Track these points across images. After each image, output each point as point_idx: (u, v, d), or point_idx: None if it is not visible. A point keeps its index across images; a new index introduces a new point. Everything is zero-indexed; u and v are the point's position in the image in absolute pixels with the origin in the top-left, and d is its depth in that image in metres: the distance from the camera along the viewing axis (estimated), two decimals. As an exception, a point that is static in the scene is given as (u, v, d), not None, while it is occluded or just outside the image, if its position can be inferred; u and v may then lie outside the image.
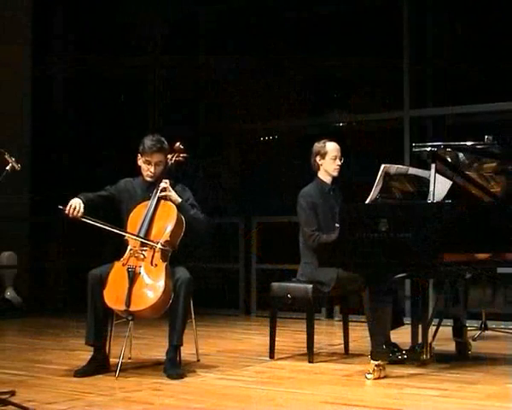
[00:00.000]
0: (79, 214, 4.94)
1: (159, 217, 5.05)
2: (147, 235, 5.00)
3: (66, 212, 4.94)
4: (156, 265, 4.88)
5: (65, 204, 4.96)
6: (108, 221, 5.06)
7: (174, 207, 5.07)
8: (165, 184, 5.13)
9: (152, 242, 4.94)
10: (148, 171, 5.17)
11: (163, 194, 5.11)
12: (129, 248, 4.99)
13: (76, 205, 4.95)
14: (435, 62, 8.44)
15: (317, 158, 5.64)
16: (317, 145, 5.66)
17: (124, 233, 5.04)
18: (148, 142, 5.16)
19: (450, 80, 8.51)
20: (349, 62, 9.02)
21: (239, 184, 9.91)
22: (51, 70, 10.26)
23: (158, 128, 5.37)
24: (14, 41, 9.51)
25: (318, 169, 5.66)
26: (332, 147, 5.64)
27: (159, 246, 4.92)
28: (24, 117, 9.71)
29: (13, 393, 4.22)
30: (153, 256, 4.90)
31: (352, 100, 9.24)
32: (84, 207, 4.97)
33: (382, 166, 4.94)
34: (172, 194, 5.13)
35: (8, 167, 4.29)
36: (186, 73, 9.80)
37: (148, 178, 5.19)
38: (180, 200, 5.12)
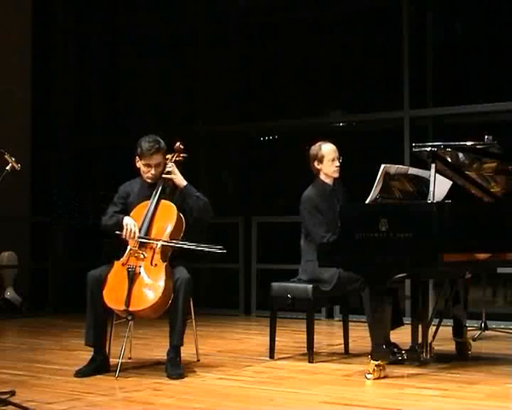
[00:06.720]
0: (137, 235, 4.94)
1: (159, 217, 5.04)
2: (147, 235, 4.99)
3: (124, 235, 4.94)
4: (156, 265, 4.87)
5: (119, 229, 4.93)
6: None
7: (174, 207, 5.06)
8: (170, 167, 5.14)
9: (154, 240, 4.94)
10: (148, 173, 5.14)
11: (169, 176, 5.12)
12: (128, 248, 4.98)
13: (132, 226, 4.94)
14: (435, 62, 8.43)
15: (315, 163, 5.48)
16: (313, 149, 5.50)
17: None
18: (145, 144, 5.10)
19: (450, 80, 8.50)
20: (349, 62, 9.02)
21: (239, 184, 9.91)
22: (51, 70, 10.24)
23: (154, 128, 5.36)
24: (14, 41, 9.50)
25: (318, 173, 5.52)
26: (328, 149, 5.47)
27: (160, 243, 4.92)
28: (24, 117, 9.70)
29: (13, 393, 4.23)
30: (152, 256, 4.90)
31: (352, 100, 9.23)
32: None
33: (382, 166, 4.93)
34: (178, 176, 5.15)
35: (8, 167, 4.29)
36: (186, 72, 9.80)
37: (149, 180, 5.18)
38: (185, 183, 5.14)
